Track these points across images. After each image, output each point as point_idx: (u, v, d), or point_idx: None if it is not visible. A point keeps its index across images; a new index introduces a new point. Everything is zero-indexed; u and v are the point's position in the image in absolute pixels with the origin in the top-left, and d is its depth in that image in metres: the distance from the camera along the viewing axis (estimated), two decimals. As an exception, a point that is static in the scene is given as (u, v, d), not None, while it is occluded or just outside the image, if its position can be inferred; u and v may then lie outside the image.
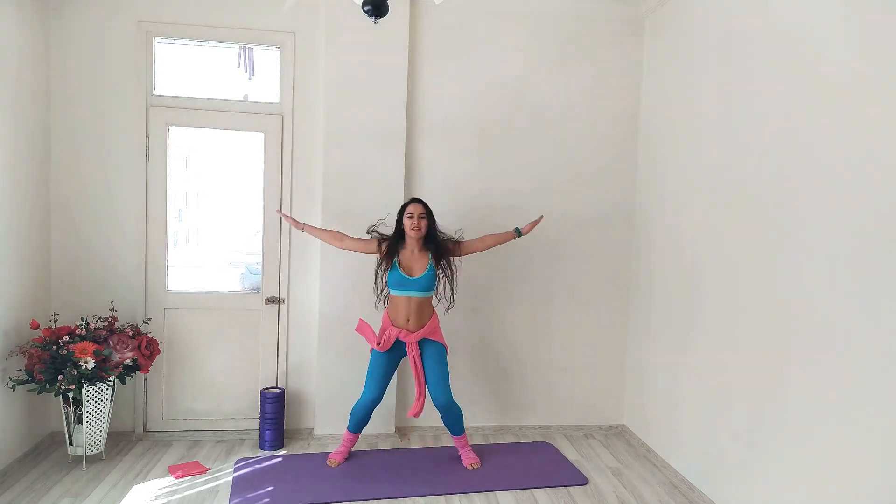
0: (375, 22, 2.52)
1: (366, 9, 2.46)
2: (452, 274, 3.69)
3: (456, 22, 4.07)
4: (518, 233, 3.72)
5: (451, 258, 3.68)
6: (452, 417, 3.65)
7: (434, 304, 3.72)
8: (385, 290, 3.64)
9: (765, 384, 2.85)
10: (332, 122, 3.95)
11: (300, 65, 3.99)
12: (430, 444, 4.06)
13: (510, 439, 4.20)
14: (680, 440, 3.61)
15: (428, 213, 3.61)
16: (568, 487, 3.48)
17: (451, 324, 4.17)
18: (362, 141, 3.98)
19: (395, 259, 3.56)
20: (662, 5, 3.94)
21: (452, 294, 3.72)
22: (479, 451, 3.93)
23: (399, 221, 3.62)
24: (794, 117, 2.70)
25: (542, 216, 3.79)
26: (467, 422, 4.26)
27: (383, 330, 3.61)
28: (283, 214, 3.81)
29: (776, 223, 2.79)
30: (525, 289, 4.26)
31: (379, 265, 3.64)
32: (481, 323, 4.25)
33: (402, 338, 3.55)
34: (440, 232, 3.67)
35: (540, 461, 3.82)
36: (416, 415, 3.58)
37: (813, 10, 2.62)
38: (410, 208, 3.57)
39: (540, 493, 3.40)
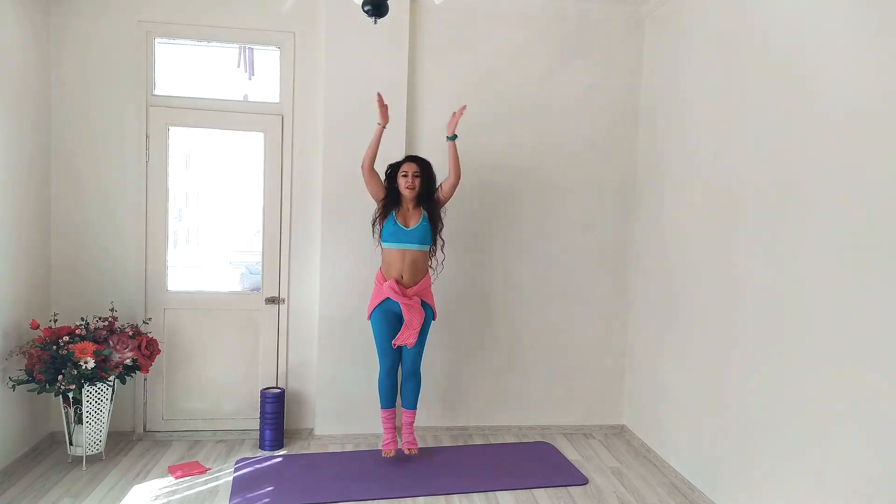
0: (375, 22, 2.52)
1: (366, 9, 2.46)
2: (439, 228, 3.65)
3: (456, 22, 4.07)
4: (449, 138, 3.55)
5: (440, 208, 3.65)
6: (413, 386, 3.70)
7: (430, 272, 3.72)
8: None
9: (765, 384, 2.85)
10: (332, 122, 3.95)
11: (300, 65, 3.99)
12: (430, 444, 4.06)
13: (510, 439, 4.20)
14: (680, 440, 3.61)
15: (424, 172, 3.58)
16: (568, 487, 3.48)
17: (450, 324, 4.18)
18: (362, 140, 3.96)
19: (392, 212, 3.55)
20: (662, 5, 3.94)
21: (437, 245, 3.66)
22: (480, 450, 3.94)
23: (393, 178, 3.60)
24: (795, 116, 2.70)
25: (455, 113, 3.57)
26: (468, 421, 4.27)
27: (378, 292, 3.57)
28: (380, 100, 3.48)
29: (778, 223, 2.79)
30: (524, 289, 4.26)
31: (375, 219, 3.62)
32: (481, 323, 4.25)
33: (398, 293, 3.48)
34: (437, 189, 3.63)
35: (540, 461, 3.82)
36: (403, 341, 3.50)
37: (813, 9, 2.62)
38: (405, 167, 3.56)
39: (540, 493, 3.40)
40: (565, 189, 4.24)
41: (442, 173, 3.71)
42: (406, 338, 3.51)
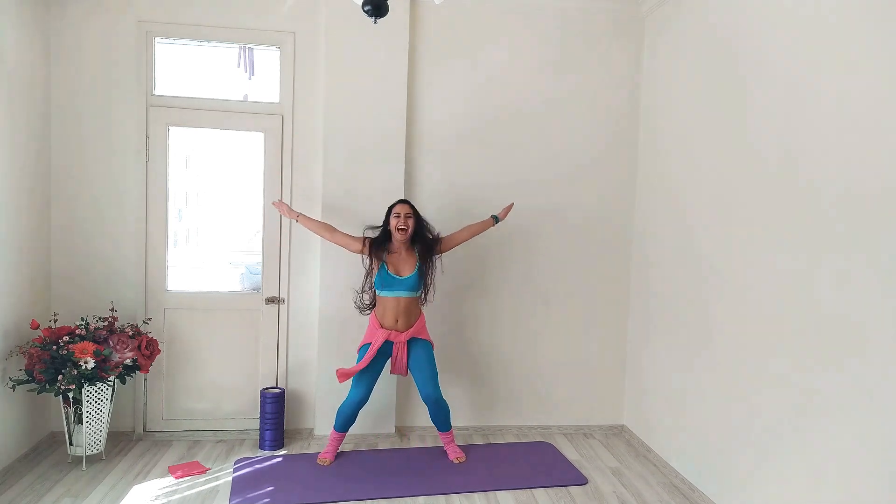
0: (375, 22, 2.52)
1: (366, 9, 2.46)
2: (433, 272, 3.72)
3: (456, 22, 4.07)
4: (495, 219, 3.81)
5: (435, 255, 3.72)
6: (441, 413, 3.72)
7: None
8: (366, 292, 3.72)
9: (764, 384, 2.85)
10: (332, 122, 3.95)
11: (300, 65, 3.99)
12: (430, 444, 4.06)
13: (510, 439, 4.20)
14: (680, 440, 3.62)
15: (415, 213, 3.66)
16: (568, 487, 3.48)
17: (451, 324, 4.18)
18: (362, 140, 3.98)
19: (383, 261, 3.61)
20: (662, 5, 3.94)
21: (431, 290, 3.75)
22: (480, 450, 3.95)
23: (386, 222, 3.66)
24: (795, 116, 2.70)
25: (512, 203, 3.91)
26: (468, 421, 4.27)
27: (371, 333, 3.64)
28: (277, 203, 3.81)
29: (776, 223, 2.79)
30: (524, 288, 4.26)
31: (368, 270, 3.70)
32: (481, 323, 4.25)
33: (391, 338, 3.59)
34: (428, 231, 3.72)
35: (540, 461, 3.82)
36: (404, 372, 3.67)
37: (813, 10, 2.62)
38: (397, 208, 3.63)
39: (540, 493, 3.40)
40: (565, 189, 4.24)
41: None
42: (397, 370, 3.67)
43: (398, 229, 3.58)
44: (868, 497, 2.27)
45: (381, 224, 3.70)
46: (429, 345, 3.72)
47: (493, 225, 3.84)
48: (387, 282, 3.58)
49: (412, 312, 3.66)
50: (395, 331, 3.60)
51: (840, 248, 2.42)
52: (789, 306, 2.70)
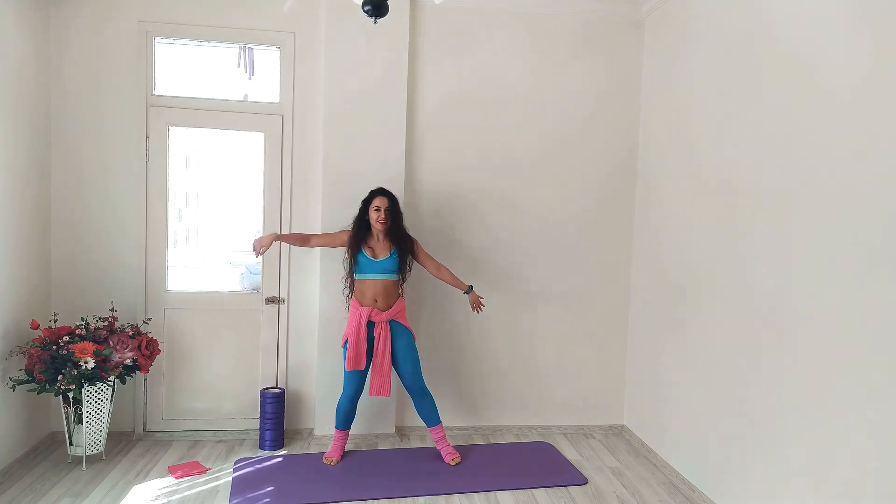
0: (375, 22, 2.52)
1: (366, 9, 2.46)
2: (408, 266, 3.72)
3: (456, 22, 4.07)
4: (469, 290, 3.78)
5: (408, 255, 3.71)
6: (426, 404, 3.75)
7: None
8: (352, 277, 3.70)
9: (764, 383, 2.85)
10: (332, 122, 3.95)
11: (300, 65, 3.99)
12: (430, 444, 4.05)
13: (510, 439, 4.20)
14: (680, 440, 3.61)
15: (393, 207, 3.64)
16: (568, 487, 3.48)
17: (451, 323, 4.18)
18: (362, 141, 3.98)
19: (361, 247, 3.62)
20: (662, 5, 3.94)
21: (408, 273, 3.75)
22: (480, 451, 3.94)
23: (364, 211, 3.65)
24: (794, 117, 2.70)
25: (483, 306, 3.85)
26: (467, 421, 4.27)
27: (353, 315, 3.64)
28: (258, 248, 3.59)
29: (775, 222, 2.80)
30: (525, 288, 4.26)
31: (348, 257, 3.68)
32: (481, 323, 4.25)
33: (372, 317, 3.59)
34: (404, 227, 3.72)
35: (540, 461, 3.82)
36: (379, 393, 3.62)
37: (813, 10, 2.62)
38: (377, 201, 3.62)
39: (540, 493, 3.40)
40: (565, 189, 4.24)
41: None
42: (379, 387, 3.61)
43: (378, 221, 3.59)
44: (868, 495, 2.27)
45: (360, 212, 3.67)
46: (410, 334, 3.71)
47: (463, 291, 3.80)
48: (365, 264, 3.59)
49: (391, 295, 3.65)
50: (376, 309, 3.60)
51: (844, 246, 2.42)
52: (789, 306, 2.70)
